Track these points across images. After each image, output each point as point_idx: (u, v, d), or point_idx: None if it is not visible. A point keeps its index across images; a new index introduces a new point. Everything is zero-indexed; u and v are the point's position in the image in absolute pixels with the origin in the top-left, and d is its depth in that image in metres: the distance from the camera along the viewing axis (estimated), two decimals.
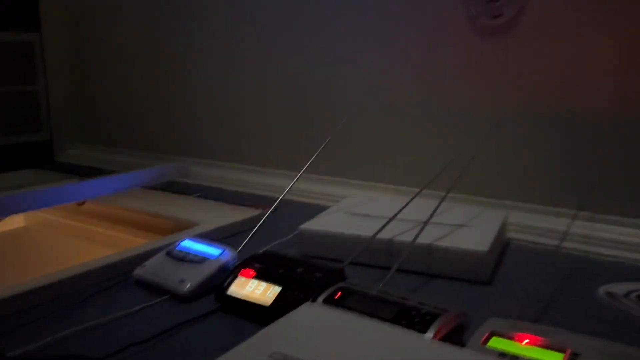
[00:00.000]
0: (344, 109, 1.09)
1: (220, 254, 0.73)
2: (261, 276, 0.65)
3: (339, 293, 0.57)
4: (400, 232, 0.77)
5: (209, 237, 0.83)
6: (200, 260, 0.72)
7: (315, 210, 0.94)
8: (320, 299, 0.56)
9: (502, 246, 0.85)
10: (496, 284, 0.73)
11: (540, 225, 0.89)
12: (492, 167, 0.95)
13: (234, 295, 0.64)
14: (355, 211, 0.90)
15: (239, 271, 0.67)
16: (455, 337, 0.52)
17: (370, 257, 0.77)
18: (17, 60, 1.59)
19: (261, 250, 0.76)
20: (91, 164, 1.56)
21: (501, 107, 0.93)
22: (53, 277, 0.70)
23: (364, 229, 0.78)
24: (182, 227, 0.99)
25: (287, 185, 0.88)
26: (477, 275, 0.72)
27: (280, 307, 0.59)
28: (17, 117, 1.62)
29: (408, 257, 0.67)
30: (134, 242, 1.01)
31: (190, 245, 0.76)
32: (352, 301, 0.55)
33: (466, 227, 0.80)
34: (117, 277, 0.74)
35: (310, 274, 0.64)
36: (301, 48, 1.16)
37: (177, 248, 0.76)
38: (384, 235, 0.75)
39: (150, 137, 1.49)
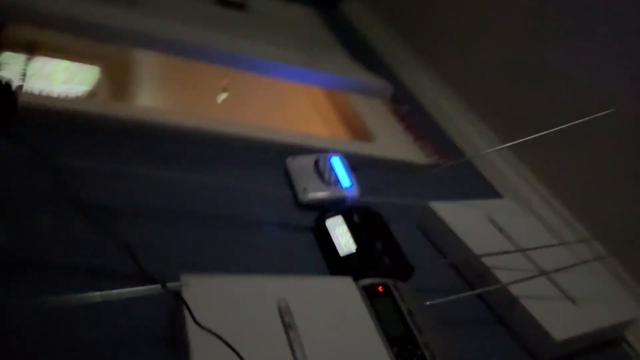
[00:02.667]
0: None
1: (348, 188, 0.83)
2: (352, 228, 0.74)
3: (380, 288, 0.64)
4: (507, 267, 0.77)
5: (373, 160, 0.93)
6: (332, 181, 0.84)
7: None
8: (362, 282, 0.64)
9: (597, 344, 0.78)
10: None
11: None
12: None
13: (326, 226, 0.75)
14: (497, 218, 0.89)
15: (342, 212, 0.77)
16: None
17: (465, 270, 0.80)
18: None
19: (373, 208, 0.81)
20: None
21: None
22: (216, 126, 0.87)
23: (480, 242, 0.79)
24: (359, 135, 1.10)
25: None
26: (537, 353, 0.71)
27: (343, 265, 0.69)
28: None
29: (491, 293, 0.69)
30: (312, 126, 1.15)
31: (335, 164, 0.87)
32: (380, 301, 0.62)
33: (574, 305, 0.75)
34: (272, 153, 0.89)
35: (384, 253, 0.72)
36: None
37: (324, 160, 0.87)
38: (490, 260, 0.76)
39: None
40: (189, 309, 0.49)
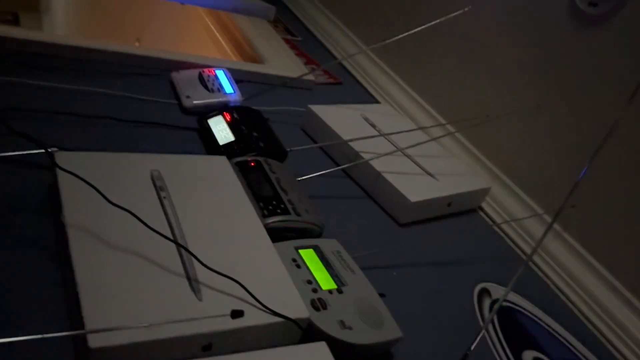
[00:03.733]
0: None
1: (230, 94, 0.90)
2: (231, 123, 0.82)
3: (252, 163, 0.72)
4: (374, 151, 0.87)
5: (261, 76, 1.00)
6: (214, 89, 0.90)
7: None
8: (236, 160, 0.72)
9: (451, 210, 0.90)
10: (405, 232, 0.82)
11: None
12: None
13: (208, 125, 0.82)
14: (371, 117, 0.98)
15: (223, 112, 0.84)
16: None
17: (338, 157, 0.89)
18: None
19: (253, 106, 0.89)
20: None
21: None
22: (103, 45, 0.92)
23: (353, 134, 0.89)
24: (250, 58, 1.16)
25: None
26: (398, 217, 0.82)
27: (224, 150, 0.77)
28: None
29: (358, 171, 0.79)
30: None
31: (220, 76, 0.93)
32: (251, 172, 0.70)
33: (432, 177, 0.87)
34: (159, 70, 0.94)
35: (261, 139, 0.79)
36: None
37: (208, 73, 0.94)
38: (358, 145, 0.86)
39: None
40: (63, 169, 0.54)
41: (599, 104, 0.82)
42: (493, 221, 0.92)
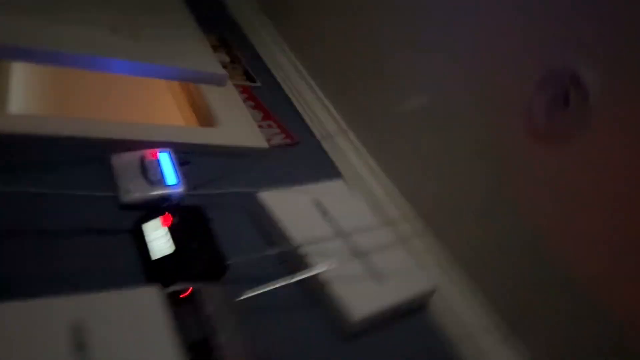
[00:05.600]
0: None
1: (173, 185, 0.85)
2: (170, 230, 0.77)
3: (184, 294, 0.68)
4: (324, 252, 0.83)
5: (211, 148, 0.95)
6: (156, 180, 0.85)
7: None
8: (167, 290, 0.67)
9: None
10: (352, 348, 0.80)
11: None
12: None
13: (142, 229, 0.77)
14: (325, 202, 0.95)
15: (163, 213, 0.79)
16: None
17: (287, 258, 0.86)
18: None
19: (196, 205, 0.84)
20: None
21: None
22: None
23: (303, 230, 0.85)
24: (203, 120, 1.11)
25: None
26: (343, 331, 0.79)
27: (155, 270, 0.72)
28: None
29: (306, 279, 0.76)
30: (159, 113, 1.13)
31: (163, 161, 0.88)
32: (182, 308, 0.66)
33: (380, 282, 0.84)
34: (101, 152, 0.88)
35: (199, 254, 0.75)
36: None
37: (151, 158, 0.88)
38: (307, 247, 0.82)
39: None
40: None
41: None
42: (439, 323, 0.91)
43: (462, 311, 0.90)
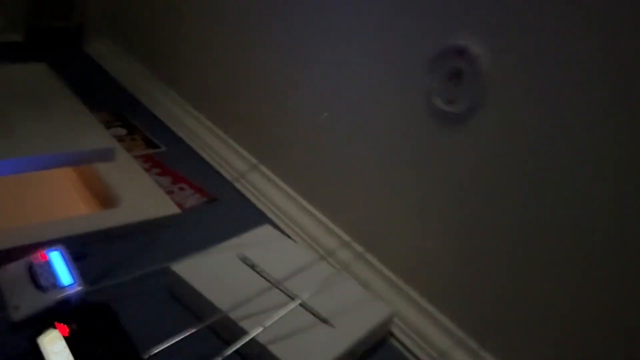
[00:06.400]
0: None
1: (69, 286, 0.74)
2: (70, 339, 0.65)
3: None
4: (260, 309, 0.74)
5: (115, 230, 0.86)
6: (48, 285, 0.74)
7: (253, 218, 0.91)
8: None
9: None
10: None
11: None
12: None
13: (39, 348, 0.65)
14: (251, 254, 0.85)
15: (58, 323, 0.68)
16: None
17: (219, 329, 0.75)
18: None
19: (98, 301, 0.73)
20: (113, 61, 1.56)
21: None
22: None
23: (230, 293, 0.76)
24: (103, 202, 1.00)
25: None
26: None
27: None
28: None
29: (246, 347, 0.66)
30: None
31: (54, 261, 0.77)
32: None
33: (328, 327, 0.75)
34: None
35: (107, 356, 0.64)
36: None
37: (40, 260, 0.77)
38: (239, 312, 0.72)
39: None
40: None
41: None
42: (407, 348, 0.81)
43: (426, 328, 0.81)
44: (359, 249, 0.92)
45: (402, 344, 0.82)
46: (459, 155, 0.74)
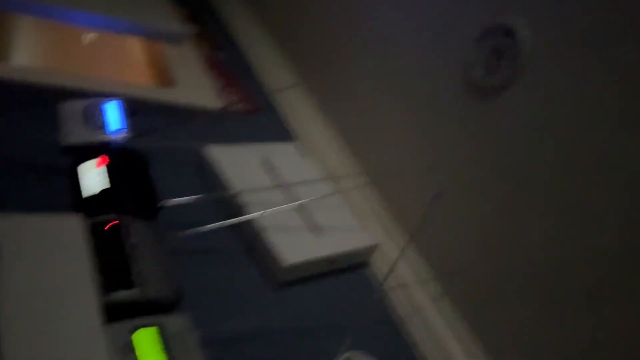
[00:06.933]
0: None
1: (114, 132, 0.86)
2: (104, 171, 0.77)
3: (110, 225, 0.69)
4: (265, 203, 0.84)
5: (165, 105, 0.96)
6: (97, 125, 0.86)
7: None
8: (91, 220, 0.68)
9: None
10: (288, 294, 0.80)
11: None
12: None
13: (76, 172, 0.78)
14: (273, 160, 0.95)
15: (99, 156, 0.80)
16: None
17: (226, 207, 0.86)
18: None
19: (135, 150, 0.85)
20: None
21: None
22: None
23: (245, 181, 0.86)
24: (162, 81, 1.12)
25: None
26: (273, 278, 0.80)
27: (86, 206, 0.73)
28: None
29: (244, 226, 0.77)
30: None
31: (109, 108, 0.89)
32: (104, 237, 0.67)
33: (317, 233, 0.85)
34: (50, 98, 0.89)
35: (131, 192, 0.76)
36: None
37: (96, 104, 0.89)
38: (247, 197, 0.83)
39: None
40: None
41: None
42: (378, 282, 0.91)
43: (402, 269, 0.90)
44: (366, 179, 1.01)
45: (374, 274, 0.91)
46: (488, 124, 0.81)
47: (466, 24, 0.82)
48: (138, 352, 0.57)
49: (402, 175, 0.95)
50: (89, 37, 1.45)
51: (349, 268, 0.90)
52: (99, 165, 0.78)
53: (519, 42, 0.75)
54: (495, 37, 0.78)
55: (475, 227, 0.83)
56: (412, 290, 0.88)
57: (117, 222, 0.69)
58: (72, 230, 0.65)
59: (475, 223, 0.83)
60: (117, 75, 1.27)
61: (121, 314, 0.60)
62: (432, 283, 0.88)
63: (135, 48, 1.29)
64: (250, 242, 0.83)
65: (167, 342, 0.59)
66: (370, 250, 0.91)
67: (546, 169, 0.73)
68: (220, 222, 0.80)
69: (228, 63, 1.28)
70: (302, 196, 0.89)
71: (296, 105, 1.19)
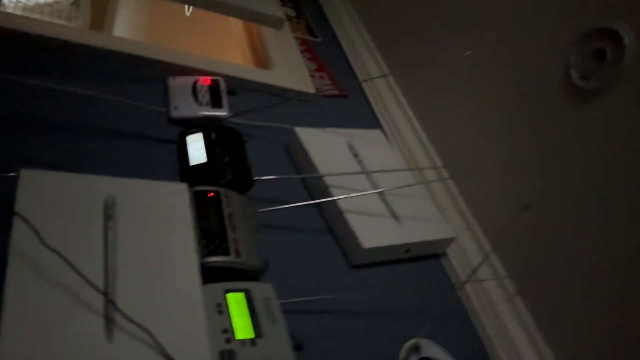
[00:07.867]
0: None
1: (218, 109, 0.93)
2: (208, 144, 0.85)
3: (211, 194, 0.76)
4: (347, 186, 0.88)
5: (260, 86, 1.02)
6: (204, 102, 0.93)
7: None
8: (195, 188, 0.75)
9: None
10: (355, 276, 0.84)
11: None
12: None
13: (185, 140, 0.85)
14: (358, 145, 0.99)
15: (204, 130, 0.87)
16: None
17: (311, 187, 0.92)
18: None
19: (234, 128, 0.91)
20: None
21: None
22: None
23: (330, 164, 0.91)
24: (259, 62, 1.18)
25: None
26: (351, 258, 0.84)
27: (191, 173, 0.80)
28: None
29: (326, 206, 0.83)
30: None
31: (213, 87, 0.96)
32: (206, 204, 0.74)
33: (397, 220, 0.88)
34: (159, 73, 0.98)
35: (230, 166, 0.83)
36: None
37: (202, 83, 0.96)
38: (332, 179, 0.88)
39: None
40: None
41: None
42: (454, 275, 0.93)
43: (476, 263, 0.92)
44: (446, 175, 1.02)
45: (450, 265, 0.94)
46: (581, 130, 0.80)
47: (573, 21, 0.81)
48: (230, 311, 0.64)
49: (484, 175, 0.96)
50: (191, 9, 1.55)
51: (423, 257, 0.92)
52: (205, 137, 0.85)
53: (623, 47, 0.73)
54: (598, 41, 0.77)
55: (556, 238, 0.83)
56: (488, 285, 0.89)
57: (215, 192, 0.76)
58: (179, 197, 0.72)
59: (557, 234, 0.83)
60: (216, 54, 1.35)
61: (214, 276, 0.67)
62: (507, 281, 0.89)
63: (235, 28, 1.36)
64: (331, 222, 0.88)
65: (254, 306, 0.66)
66: (447, 242, 0.93)
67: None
68: (303, 202, 0.85)
69: (322, 48, 1.33)
70: (384, 183, 0.92)
71: (384, 95, 1.22)
